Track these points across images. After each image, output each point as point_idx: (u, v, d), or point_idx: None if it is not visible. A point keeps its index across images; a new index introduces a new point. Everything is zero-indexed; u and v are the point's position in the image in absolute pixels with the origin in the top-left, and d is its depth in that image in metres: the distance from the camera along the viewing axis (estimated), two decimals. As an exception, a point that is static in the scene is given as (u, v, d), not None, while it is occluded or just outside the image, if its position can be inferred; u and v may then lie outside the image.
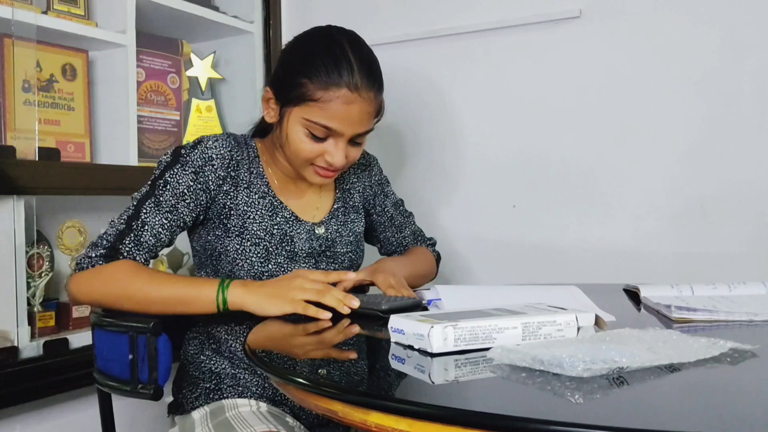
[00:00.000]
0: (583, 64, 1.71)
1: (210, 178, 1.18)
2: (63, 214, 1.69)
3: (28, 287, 1.51)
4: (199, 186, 1.18)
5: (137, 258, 1.14)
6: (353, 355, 0.91)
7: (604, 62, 1.68)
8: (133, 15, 1.73)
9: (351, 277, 1.16)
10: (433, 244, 1.52)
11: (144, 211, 1.15)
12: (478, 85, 1.85)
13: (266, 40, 2.10)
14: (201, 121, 2.06)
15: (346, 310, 1.05)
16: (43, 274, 1.57)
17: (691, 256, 1.59)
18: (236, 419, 1.13)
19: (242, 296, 1.08)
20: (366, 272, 1.24)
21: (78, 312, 1.62)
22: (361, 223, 1.38)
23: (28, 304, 1.51)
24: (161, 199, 1.15)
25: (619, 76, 1.67)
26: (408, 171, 1.94)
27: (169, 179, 1.17)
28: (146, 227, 1.14)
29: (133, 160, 1.73)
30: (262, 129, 1.34)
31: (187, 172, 1.17)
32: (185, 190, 1.17)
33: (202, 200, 1.19)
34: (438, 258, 1.51)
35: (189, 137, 2.01)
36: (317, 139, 1.18)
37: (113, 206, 1.86)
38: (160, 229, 1.15)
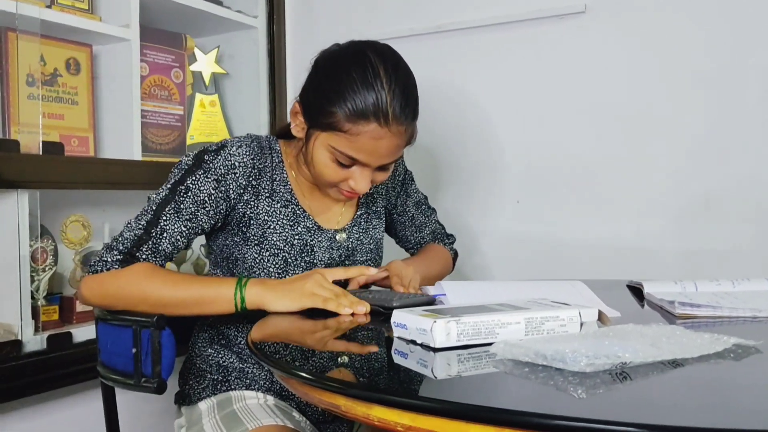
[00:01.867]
0: (587, 59, 1.70)
1: (231, 186, 1.16)
2: (67, 209, 1.70)
3: (32, 281, 1.52)
4: (221, 195, 1.15)
5: (154, 264, 1.13)
6: (357, 350, 0.91)
7: (608, 57, 1.68)
8: (137, 9, 1.73)
9: (372, 273, 1.16)
10: (452, 242, 1.51)
11: (164, 217, 1.12)
12: (482, 81, 1.84)
13: (270, 35, 2.10)
14: (204, 116, 2.06)
15: (354, 311, 1.04)
16: (46, 268, 1.57)
17: (694, 252, 1.59)
18: (243, 411, 1.13)
19: (260, 294, 1.07)
20: (380, 270, 1.23)
21: (81, 306, 1.62)
22: (381, 229, 1.38)
23: (32, 297, 1.52)
24: (182, 206, 1.13)
25: (624, 71, 1.66)
26: (409, 167, 1.94)
27: (190, 185, 1.14)
28: (165, 234, 1.12)
29: (136, 155, 1.73)
30: (290, 131, 1.29)
31: (209, 180, 1.14)
32: (206, 198, 1.14)
33: (222, 208, 1.17)
34: (455, 256, 1.51)
35: (192, 132, 2.01)
36: (342, 165, 1.14)
37: (117, 201, 1.86)
38: (178, 237, 1.13)
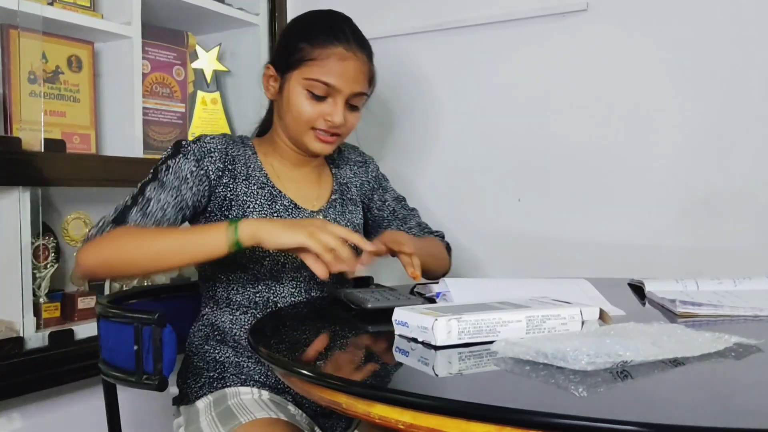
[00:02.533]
0: (589, 57, 1.70)
1: (210, 168, 1.21)
2: (68, 206, 1.70)
3: (34, 278, 1.52)
4: (202, 172, 1.20)
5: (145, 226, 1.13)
6: (357, 348, 0.91)
7: (611, 55, 1.68)
8: (139, 7, 1.73)
9: (368, 248, 1.13)
10: (442, 236, 1.52)
11: (148, 189, 1.16)
12: (483, 79, 1.84)
13: (272, 33, 2.10)
14: (206, 114, 2.06)
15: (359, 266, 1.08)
16: (48, 266, 1.58)
17: (696, 250, 1.59)
18: (237, 407, 1.13)
19: (257, 226, 1.06)
20: (378, 241, 1.20)
21: (83, 303, 1.63)
22: (359, 216, 1.39)
23: (34, 295, 1.52)
24: (164, 180, 1.17)
25: (626, 69, 1.66)
26: (412, 165, 1.94)
27: (170, 165, 1.19)
28: (152, 201, 1.15)
29: (138, 152, 1.73)
30: (263, 130, 1.40)
31: (189, 160, 1.20)
32: (188, 175, 1.19)
33: (205, 186, 1.20)
34: (448, 248, 1.51)
35: (194, 129, 2.01)
36: (317, 98, 1.23)
37: (119, 198, 1.86)
38: (164, 205, 1.15)
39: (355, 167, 1.44)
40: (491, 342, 0.77)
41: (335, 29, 1.25)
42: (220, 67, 2.08)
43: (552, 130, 1.75)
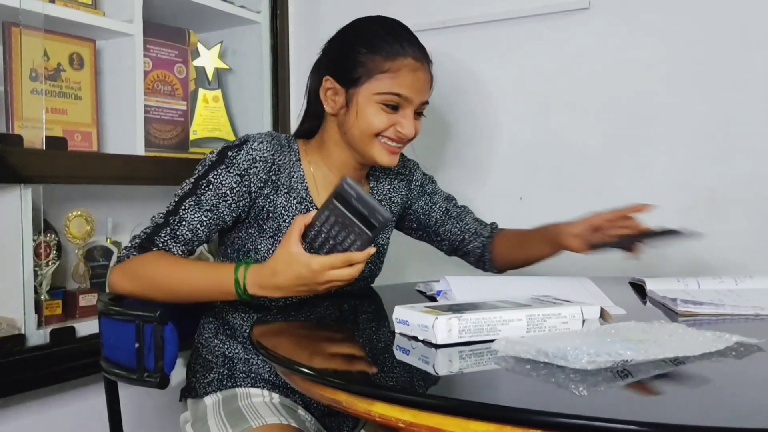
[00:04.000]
0: (591, 55, 1.70)
1: (253, 180, 1.19)
2: (70, 203, 1.70)
3: (35, 276, 1.52)
4: (243, 188, 1.18)
5: (172, 250, 1.15)
6: (358, 346, 0.91)
7: (612, 54, 1.67)
8: (140, 4, 1.72)
9: (360, 258, 1.10)
10: (496, 226, 1.51)
11: (183, 207, 1.16)
12: (486, 77, 1.84)
13: (273, 30, 2.10)
14: (207, 112, 2.06)
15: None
16: (50, 263, 1.58)
17: (697, 249, 1.58)
18: (248, 409, 1.13)
19: (260, 288, 1.08)
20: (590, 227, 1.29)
21: (85, 300, 1.63)
22: (387, 236, 1.40)
23: (35, 292, 1.52)
24: (202, 198, 1.16)
25: (628, 67, 1.66)
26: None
27: (212, 179, 1.17)
28: (183, 222, 1.15)
29: (140, 150, 1.73)
30: (307, 130, 1.34)
31: (232, 174, 1.17)
32: (228, 192, 1.17)
33: (244, 202, 1.19)
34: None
35: (195, 127, 2.01)
36: (390, 108, 1.21)
37: (120, 195, 1.87)
38: (198, 225, 1.16)
39: (396, 180, 1.41)
40: (492, 340, 0.77)
41: (402, 39, 1.22)
42: (222, 65, 2.08)
43: (553, 128, 1.75)
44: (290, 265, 1.04)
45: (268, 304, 1.21)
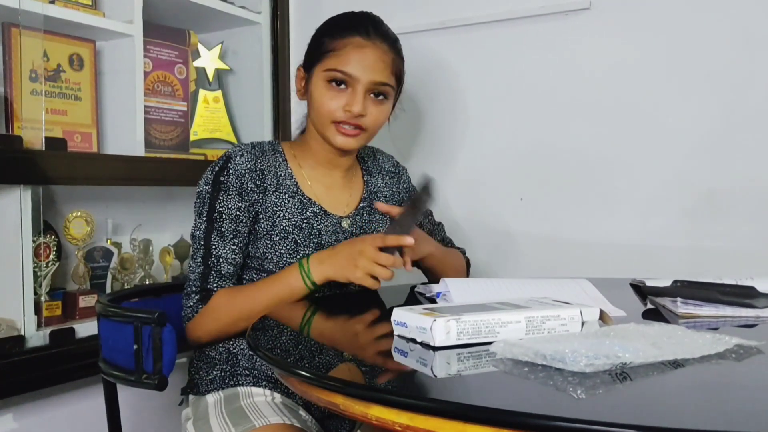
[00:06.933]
0: (592, 56, 1.69)
1: (250, 193, 1.24)
2: (70, 204, 1.70)
3: (35, 277, 1.52)
4: (246, 204, 1.23)
5: (227, 287, 1.21)
6: (356, 348, 0.91)
7: (613, 54, 1.67)
8: (141, 5, 1.73)
9: (407, 242, 1.17)
10: (464, 252, 1.52)
11: (213, 246, 1.21)
12: (486, 77, 1.84)
13: (274, 31, 2.10)
14: (208, 112, 2.06)
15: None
16: (49, 264, 1.58)
17: (698, 250, 1.58)
18: (250, 408, 1.13)
19: (322, 270, 1.16)
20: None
21: (84, 302, 1.63)
22: (384, 227, 1.39)
23: (35, 293, 1.52)
24: (222, 230, 1.22)
25: (629, 68, 1.65)
26: (415, 163, 1.94)
27: (220, 209, 1.22)
28: (221, 260, 1.21)
29: (140, 151, 1.73)
30: (293, 134, 1.42)
31: (232, 196, 1.23)
32: (237, 212, 1.23)
33: (252, 212, 1.24)
34: (468, 263, 1.51)
35: (196, 128, 2.01)
36: (337, 90, 1.24)
37: (120, 196, 1.87)
38: (233, 256, 1.22)
39: (387, 177, 1.45)
40: (490, 343, 0.77)
41: (354, 21, 1.27)
42: (222, 66, 2.08)
43: (554, 128, 1.75)
44: (350, 242, 1.17)
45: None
